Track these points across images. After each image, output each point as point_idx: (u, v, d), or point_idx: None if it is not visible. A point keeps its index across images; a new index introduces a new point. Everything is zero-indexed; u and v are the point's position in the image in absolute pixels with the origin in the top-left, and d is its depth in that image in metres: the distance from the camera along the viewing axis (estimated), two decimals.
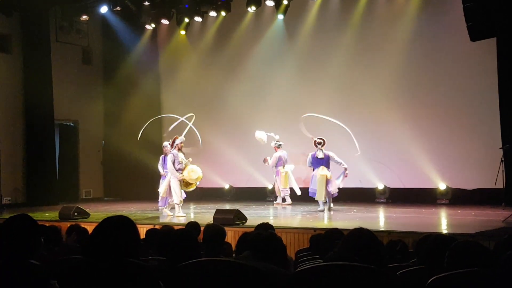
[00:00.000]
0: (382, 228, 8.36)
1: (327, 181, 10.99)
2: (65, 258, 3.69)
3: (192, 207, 13.33)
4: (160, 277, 2.72)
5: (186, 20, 14.81)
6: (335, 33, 13.32)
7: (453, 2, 11.19)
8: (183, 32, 15.23)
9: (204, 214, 11.01)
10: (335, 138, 11.83)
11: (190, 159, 11.29)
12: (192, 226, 5.97)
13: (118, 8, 14.62)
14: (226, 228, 4.97)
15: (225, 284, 2.92)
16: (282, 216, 11.02)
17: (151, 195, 13.13)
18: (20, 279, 2.75)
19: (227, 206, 12.00)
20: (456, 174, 11.87)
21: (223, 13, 14.27)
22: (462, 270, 2.78)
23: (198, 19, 14.60)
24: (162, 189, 11.28)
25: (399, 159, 12.54)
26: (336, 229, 4.90)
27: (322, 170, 11.09)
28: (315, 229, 7.86)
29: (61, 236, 5.70)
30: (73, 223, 7.11)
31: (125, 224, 2.74)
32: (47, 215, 11.35)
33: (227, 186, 14.74)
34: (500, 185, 10.03)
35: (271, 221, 7.85)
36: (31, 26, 14.98)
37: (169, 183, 10.98)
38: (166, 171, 12.23)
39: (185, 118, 12.09)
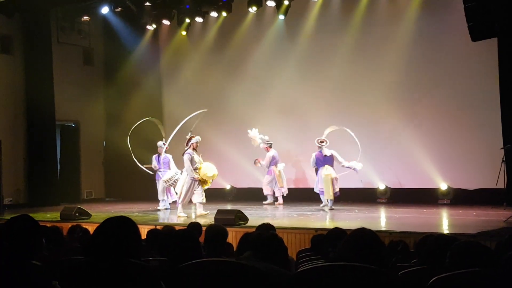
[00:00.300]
0: (383, 229, 8.36)
1: (332, 181, 11.20)
2: (66, 258, 3.70)
3: (193, 207, 13.32)
4: (162, 278, 2.73)
5: (187, 20, 14.80)
6: (336, 34, 13.32)
7: (454, 3, 11.18)
8: (184, 33, 15.22)
9: (206, 215, 11.00)
10: (334, 139, 11.91)
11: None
12: (194, 226, 5.98)
13: (119, 9, 14.62)
14: (228, 229, 4.97)
15: (226, 285, 2.92)
16: (284, 216, 11.01)
17: (152, 196, 13.12)
18: (21, 280, 2.75)
19: (228, 207, 12.03)
20: (457, 174, 11.86)
21: (224, 14, 14.26)
22: (464, 270, 2.78)
23: (199, 19, 14.59)
24: (178, 188, 11.14)
25: (400, 160, 12.54)
26: (339, 228, 4.89)
27: (326, 170, 11.30)
28: (316, 230, 7.86)
29: (62, 236, 5.70)
30: (75, 224, 7.12)
31: (126, 225, 2.74)
32: (48, 216, 11.35)
33: (228, 187, 14.74)
34: (501, 185, 10.02)
35: (272, 222, 7.86)
36: (32, 27, 14.99)
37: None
38: (160, 170, 12.29)
39: (195, 114, 12.07)
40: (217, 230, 4.64)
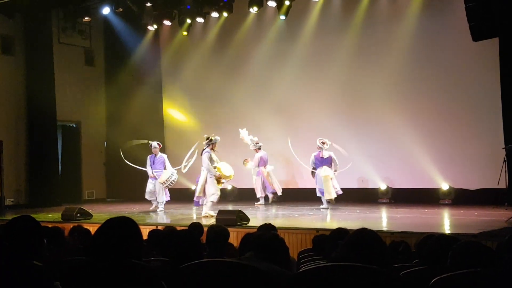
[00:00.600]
0: (384, 229, 8.35)
1: (331, 181, 11.47)
2: (67, 259, 3.70)
3: (194, 208, 13.32)
4: (163, 278, 2.73)
5: (188, 21, 14.80)
6: (337, 33, 13.32)
7: (455, 2, 11.18)
8: (185, 33, 15.23)
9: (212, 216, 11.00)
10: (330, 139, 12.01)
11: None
12: (195, 227, 5.98)
13: (120, 9, 14.62)
14: (229, 229, 4.97)
15: (228, 285, 2.92)
16: (285, 216, 11.01)
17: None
18: (23, 280, 2.75)
19: (230, 207, 12.02)
20: (459, 174, 11.85)
21: (225, 14, 14.25)
22: (465, 270, 2.78)
23: (200, 20, 14.59)
24: (198, 188, 11.01)
25: (401, 160, 12.53)
26: (342, 228, 4.88)
27: (324, 171, 11.51)
28: (317, 230, 7.86)
29: (63, 237, 5.70)
30: (76, 224, 7.12)
31: (128, 225, 2.74)
32: (49, 216, 11.36)
33: (229, 187, 14.74)
34: (503, 185, 10.01)
35: (274, 222, 7.86)
36: (33, 28, 15.01)
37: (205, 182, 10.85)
38: (156, 172, 12.22)
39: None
40: (218, 231, 4.65)
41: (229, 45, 14.77)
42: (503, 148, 10.10)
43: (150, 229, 6.12)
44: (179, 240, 3.53)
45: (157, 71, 16.19)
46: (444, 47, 12.03)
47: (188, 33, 15.24)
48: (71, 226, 6.71)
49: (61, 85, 15.30)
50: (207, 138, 11.04)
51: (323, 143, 11.62)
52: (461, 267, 2.84)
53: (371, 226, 3.87)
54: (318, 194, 11.69)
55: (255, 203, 12.91)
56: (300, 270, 2.92)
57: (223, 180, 11.03)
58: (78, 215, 10.51)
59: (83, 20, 15.53)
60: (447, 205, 11.59)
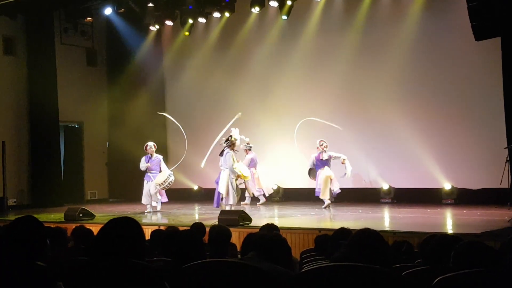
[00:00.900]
0: (387, 229, 8.35)
1: (331, 181, 11.57)
2: (70, 259, 3.71)
3: (197, 208, 13.34)
4: (165, 278, 2.73)
5: (190, 21, 14.80)
6: (339, 34, 13.31)
7: (457, 2, 11.16)
8: (187, 33, 15.24)
9: (209, 215, 11.02)
10: (332, 138, 12.06)
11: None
12: (197, 227, 5.98)
13: (122, 10, 14.64)
14: (231, 229, 4.97)
15: (230, 285, 2.92)
16: (287, 216, 11.01)
17: None
18: (26, 281, 2.75)
19: (232, 207, 12.01)
20: (461, 174, 11.84)
21: (227, 14, 14.25)
22: (468, 270, 2.77)
23: (202, 20, 14.59)
24: (223, 189, 10.92)
25: (404, 159, 12.52)
26: (344, 228, 4.88)
27: (326, 171, 11.64)
28: (320, 230, 7.86)
29: (66, 237, 5.71)
30: (78, 225, 7.12)
31: (130, 225, 2.74)
32: (52, 217, 11.38)
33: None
34: (505, 184, 10.00)
35: (276, 222, 7.86)
36: (35, 29, 15.03)
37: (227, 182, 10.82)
38: (152, 173, 11.95)
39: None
40: (220, 231, 4.64)
41: (231, 45, 14.77)
42: (505, 148, 10.09)
43: (153, 229, 6.12)
44: (181, 240, 3.53)
45: (159, 71, 16.20)
46: (446, 46, 12.01)
47: (190, 33, 15.25)
48: (74, 227, 6.70)
49: (63, 86, 15.32)
50: (227, 139, 10.97)
51: (321, 145, 11.68)
52: (463, 267, 2.83)
53: (374, 226, 3.87)
54: (318, 194, 11.78)
55: (257, 204, 12.91)
56: (303, 270, 2.92)
57: (240, 181, 11.06)
58: (81, 215, 10.52)
59: (85, 20, 15.55)
60: (449, 205, 11.58)
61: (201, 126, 14.70)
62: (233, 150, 11.05)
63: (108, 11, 14.64)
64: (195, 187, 15.43)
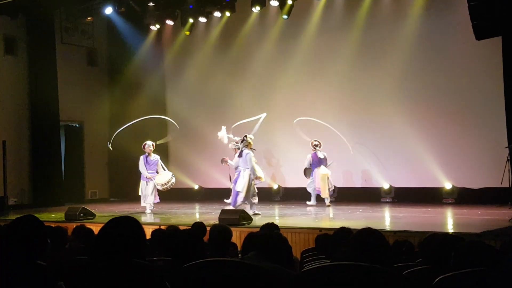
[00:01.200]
0: (388, 228, 8.35)
1: (328, 179, 11.86)
2: (71, 259, 3.71)
3: (197, 207, 13.35)
4: (166, 278, 2.73)
5: (191, 20, 14.80)
6: (340, 33, 13.31)
7: (457, 1, 11.16)
8: (187, 33, 15.24)
9: (210, 215, 11.02)
10: (328, 139, 12.19)
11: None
12: (198, 226, 5.98)
13: (123, 9, 14.64)
14: (232, 228, 4.97)
15: (231, 285, 2.92)
16: (288, 216, 11.02)
17: None
18: (27, 280, 2.76)
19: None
20: (462, 173, 11.84)
21: (227, 14, 14.25)
22: (468, 270, 2.77)
23: (202, 19, 14.59)
24: (244, 189, 10.68)
25: (404, 159, 12.52)
26: (344, 227, 4.88)
27: (322, 170, 11.92)
28: (320, 229, 7.86)
29: (67, 237, 5.71)
30: (79, 224, 7.13)
31: (131, 225, 2.74)
32: (53, 216, 11.38)
33: (232, 186, 14.74)
34: (506, 184, 10.00)
35: (277, 221, 7.86)
36: (36, 28, 15.03)
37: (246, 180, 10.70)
38: (150, 174, 11.63)
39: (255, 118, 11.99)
40: (221, 230, 4.64)
41: (232, 45, 14.78)
42: (506, 147, 10.10)
43: (153, 229, 6.12)
44: (182, 240, 3.54)
45: (160, 70, 16.20)
46: (447, 46, 12.01)
47: (190, 33, 15.24)
48: (74, 226, 6.72)
49: (64, 85, 15.31)
50: (242, 140, 10.90)
51: (316, 145, 12.04)
52: (464, 267, 2.84)
53: (374, 225, 3.87)
54: (316, 192, 12.00)
55: (225, 200, 12.78)
56: (304, 270, 2.92)
57: (256, 181, 11.03)
58: (81, 215, 10.52)
59: (86, 20, 15.55)
60: (450, 204, 11.58)
61: (202, 126, 14.70)
62: (251, 149, 10.91)
63: (108, 10, 14.63)
64: (196, 187, 15.44)
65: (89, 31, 16.17)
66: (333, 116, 13.03)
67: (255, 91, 14.38)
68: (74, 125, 16.42)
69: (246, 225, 8.81)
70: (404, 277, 2.83)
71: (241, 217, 8.90)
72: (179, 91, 15.88)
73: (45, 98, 14.87)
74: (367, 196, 12.68)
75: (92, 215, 10.71)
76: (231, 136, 12.68)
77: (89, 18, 15.44)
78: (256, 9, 13.59)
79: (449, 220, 9.81)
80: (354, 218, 9.87)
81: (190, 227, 5.81)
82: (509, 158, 10.03)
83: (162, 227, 7.44)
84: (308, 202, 12.12)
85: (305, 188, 12.45)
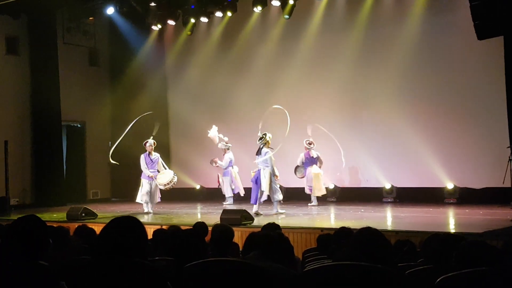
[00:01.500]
0: (389, 228, 8.35)
1: (321, 178, 12.06)
2: (73, 259, 3.71)
3: (199, 207, 13.35)
4: (168, 278, 2.73)
5: (192, 20, 14.80)
6: (341, 33, 13.31)
7: (459, 1, 11.15)
8: (189, 33, 15.24)
9: (211, 214, 11.03)
10: (329, 139, 12.21)
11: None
12: (200, 226, 5.98)
13: (125, 9, 14.65)
14: (233, 228, 4.97)
15: (232, 284, 2.92)
16: (289, 216, 11.02)
17: None
18: (29, 280, 2.76)
19: (234, 206, 12.03)
20: (464, 173, 11.82)
21: (229, 14, 14.25)
22: (470, 269, 2.77)
23: (204, 19, 14.59)
24: (267, 187, 10.63)
25: (406, 159, 12.51)
26: (346, 227, 4.89)
27: (314, 169, 12.09)
28: (322, 229, 7.86)
29: (69, 237, 5.71)
30: (81, 224, 7.13)
31: (133, 225, 2.75)
32: (55, 216, 11.40)
33: (233, 186, 14.74)
34: (508, 184, 9.99)
35: (278, 221, 7.86)
36: (38, 28, 15.05)
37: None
38: (153, 172, 11.59)
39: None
40: (223, 230, 4.65)
41: (233, 45, 14.77)
42: (508, 147, 10.08)
43: (155, 229, 6.12)
44: (183, 240, 3.54)
45: (162, 70, 16.21)
46: (449, 46, 12.00)
47: (192, 33, 15.24)
48: (76, 226, 6.72)
49: (65, 85, 15.33)
50: (260, 138, 10.82)
51: (310, 143, 12.14)
52: (466, 266, 2.83)
53: (376, 225, 3.87)
54: (308, 192, 12.14)
55: (223, 203, 12.84)
56: (305, 270, 2.92)
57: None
58: (83, 214, 10.54)
59: (88, 20, 15.55)
60: (452, 204, 11.56)
61: (204, 126, 14.69)
62: (269, 148, 10.86)
63: (110, 10, 14.65)
64: (197, 187, 15.44)
65: (91, 31, 16.19)
66: (335, 115, 13.04)
67: (257, 90, 14.38)
68: (75, 125, 16.44)
69: (248, 225, 8.81)
70: (405, 276, 2.83)
71: (243, 217, 8.91)
72: (181, 91, 15.88)
73: (47, 98, 14.89)
74: (369, 196, 12.67)
75: (94, 215, 10.72)
76: (221, 136, 12.72)
77: (91, 18, 15.45)
78: (258, 9, 13.59)
79: (451, 220, 9.81)
80: (356, 218, 9.86)
81: (191, 227, 5.80)
82: (511, 158, 10.02)
83: (164, 227, 7.45)
84: (309, 204, 12.07)
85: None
